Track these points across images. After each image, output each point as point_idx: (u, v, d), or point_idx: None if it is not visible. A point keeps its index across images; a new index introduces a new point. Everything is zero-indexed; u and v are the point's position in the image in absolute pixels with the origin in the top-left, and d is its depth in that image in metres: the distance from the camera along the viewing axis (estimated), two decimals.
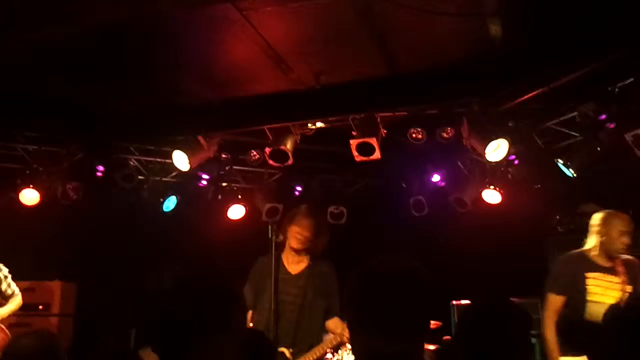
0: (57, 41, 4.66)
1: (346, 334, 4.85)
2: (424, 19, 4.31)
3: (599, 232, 4.84)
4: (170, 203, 6.59)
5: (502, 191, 6.04)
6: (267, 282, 5.07)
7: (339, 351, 5.72)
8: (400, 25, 4.53)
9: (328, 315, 5.15)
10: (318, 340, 5.10)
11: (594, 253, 4.83)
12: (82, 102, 5.69)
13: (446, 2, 4.22)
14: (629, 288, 4.70)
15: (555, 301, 4.80)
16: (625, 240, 4.75)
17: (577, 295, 4.72)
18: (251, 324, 5.06)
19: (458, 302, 6.70)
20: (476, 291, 6.47)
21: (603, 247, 4.80)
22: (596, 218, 4.93)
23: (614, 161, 5.36)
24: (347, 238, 7.03)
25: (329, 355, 5.62)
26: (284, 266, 5.19)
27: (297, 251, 5.20)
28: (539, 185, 6.04)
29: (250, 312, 5.11)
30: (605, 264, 4.80)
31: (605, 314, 4.51)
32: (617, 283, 4.70)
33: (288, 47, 4.83)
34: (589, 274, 4.76)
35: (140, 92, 5.53)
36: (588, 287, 4.72)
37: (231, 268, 6.07)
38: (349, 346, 5.74)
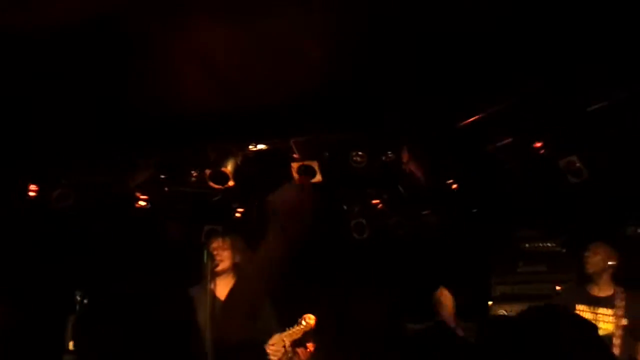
0: None
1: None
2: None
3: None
4: None
5: (440, 215, 6.12)
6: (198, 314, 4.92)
7: None
8: (342, 47, 4.56)
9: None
10: None
11: (587, 284, 4.88)
12: (13, 119, 5.50)
13: None
14: (624, 321, 4.66)
15: None
16: (588, 266, 4.83)
17: None
18: None
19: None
20: (415, 316, 6.53)
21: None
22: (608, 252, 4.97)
23: (548, 187, 5.49)
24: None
25: None
26: (212, 291, 4.89)
27: (226, 274, 5.10)
28: (477, 209, 6.15)
29: None
30: (600, 293, 4.82)
31: None
32: (609, 315, 4.69)
33: (230, 67, 4.79)
34: (578, 306, 4.79)
35: (76, 109, 5.37)
36: None
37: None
38: None
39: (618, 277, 4.89)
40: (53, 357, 6.34)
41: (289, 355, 5.65)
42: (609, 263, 4.86)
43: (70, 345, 6.45)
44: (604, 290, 4.84)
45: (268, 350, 4.96)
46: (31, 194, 5.88)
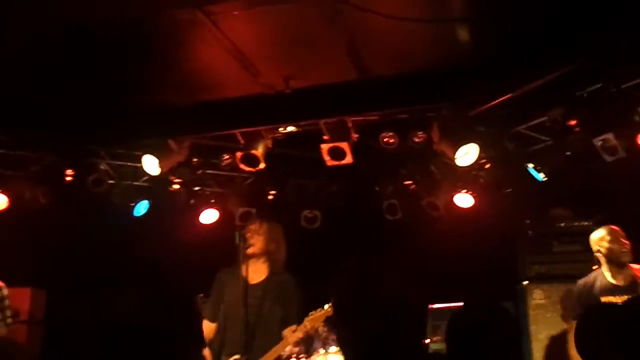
0: (25, 41, 4.60)
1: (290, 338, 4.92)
2: (393, 24, 4.31)
3: (600, 251, 4.79)
4: (141, 207, 6.51)
5: (473, 195, 6.06)
6: (225, 293, 5.05)
7: (312, 357, 5.70)
8: (370, 30, 4.54)
9: (285, 324, 5.11)
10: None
11: (607, 273, 4.78)
12: (51, 105, 5.61)
13: (415, 8, 4.23)
14: None
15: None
16: (625, 244, 4.72)
17: None
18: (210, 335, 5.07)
19: (431, 306, 6.69)
20: (449, 295, 6.51)
21: (611, 262, 4.76)
22: (593, 240, 4.88)
23: (583, 165, 5.39)
24: (321, 242, 7.02)
25: None
26: (242, 276, 5.07)
27: (256, 259, 5.14)
28: (510, 189, 6.07)
29: (210, 324, 5.09)
30: (621, 282, 4.74)
31: None
32: None
33: (257, 51, 4.81)
34: (603, 298, 4.72)
35: (111, 96, 5.46)
36: None
37: (203, 273, 6.05)
38: (321, 351, 5.73)
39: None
40: (92, 337, 6.52)
41: (322, 336, 5.70)
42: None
43: None
44: (620, 279, 4.76)
45: (290, 339, 5.01)
46: (68, 178, 6.00)
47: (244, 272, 5.01)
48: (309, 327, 5.00)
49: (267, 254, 5.21)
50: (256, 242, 5.16)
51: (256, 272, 5.16)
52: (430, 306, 6.75)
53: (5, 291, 5.80)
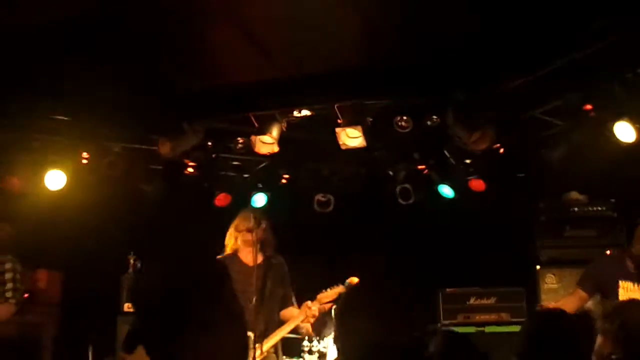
0: (35, 21, 4.62)
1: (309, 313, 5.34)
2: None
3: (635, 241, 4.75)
4: (157, 191, 6.54)
5: (486, 179, 6.06)
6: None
7: (325, 339, 5.77)
8: (386, 13, 4.53)
9: (284, 305, 5.54)
10: (277, 325, 5.48)
11: (629, 260, 4.74)
12: (65, 88, 5.64)
13: None
14: None
15: (579, 294, 4.76)
16: None
17: (607, 301, 4.57)
18: None
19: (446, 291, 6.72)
20: (462, 280, 6.54)
21: (634, 255, 4.71)
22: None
23: (597, 150, 5.38)
24: (334, 225, 7.05)
25: (314, 343, 5.73)
26: (241, 261, 5.49)
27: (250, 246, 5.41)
28: (523, 174, 6.06)
29: None
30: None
31: None
32: None
33: (272, 34, 4.82)
34: (622, 282, 4.68)
35: (123, 80, 5.48)
36: (619, 296, 4.57)
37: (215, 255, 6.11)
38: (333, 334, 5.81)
39: None
40: (109, 318, 6.60)
41: (334, 319, 5.87)
42: None
43: (125, 307, 6.70)
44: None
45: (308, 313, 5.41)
46: (84, 161, 6.06)
47: (255, 254, 5.36)
48: (323, 302, 5.40)
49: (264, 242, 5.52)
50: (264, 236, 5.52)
51: (251, 254, 5.47)
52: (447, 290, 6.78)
53: (9, 265, 5.72)
